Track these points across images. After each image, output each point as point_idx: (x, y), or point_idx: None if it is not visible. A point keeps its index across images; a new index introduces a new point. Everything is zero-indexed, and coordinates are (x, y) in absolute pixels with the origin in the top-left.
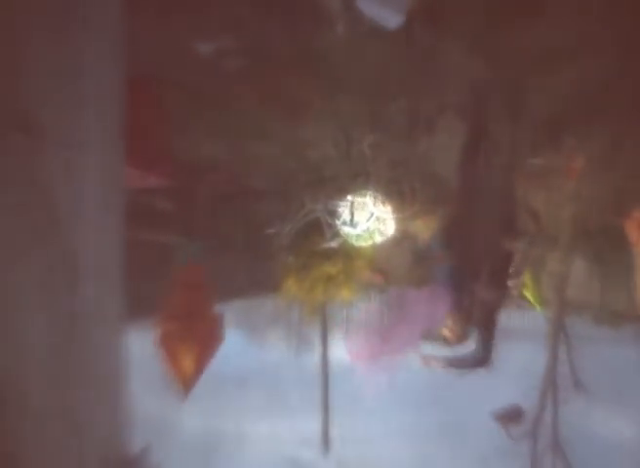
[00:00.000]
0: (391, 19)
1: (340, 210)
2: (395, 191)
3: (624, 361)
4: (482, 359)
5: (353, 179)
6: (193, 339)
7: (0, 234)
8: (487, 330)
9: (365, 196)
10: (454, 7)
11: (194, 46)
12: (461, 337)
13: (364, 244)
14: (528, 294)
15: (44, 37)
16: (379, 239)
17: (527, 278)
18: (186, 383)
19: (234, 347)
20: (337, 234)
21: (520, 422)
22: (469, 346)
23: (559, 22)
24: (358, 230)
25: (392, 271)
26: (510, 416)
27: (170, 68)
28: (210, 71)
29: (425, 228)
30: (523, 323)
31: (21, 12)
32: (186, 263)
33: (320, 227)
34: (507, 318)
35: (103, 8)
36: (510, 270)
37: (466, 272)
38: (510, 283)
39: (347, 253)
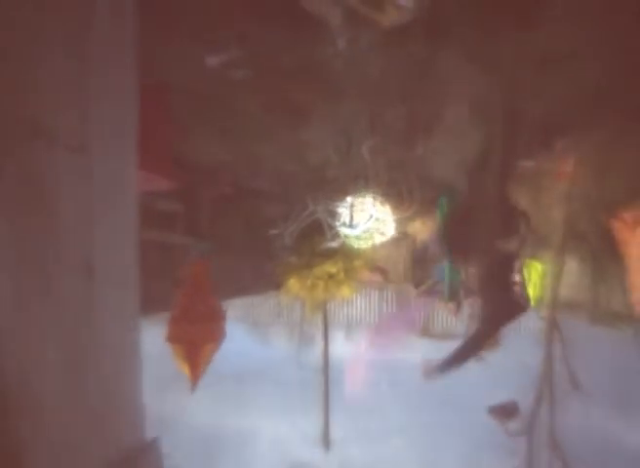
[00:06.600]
0: None
1: (341, 211)
2: (394, 193)
3: (621, 360)
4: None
5: (353, 182)
6: (201, 335)
7: (11, 239)
8: (492, 328)
9: (364, 198)
10: (452, 13)
11: (202, 57)
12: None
13: (363, 244)
14: (530, 292)
15: (56, 41)
16: (378, 239)
17: (527, 276)
18: (195, 378)
19: (237, 344)
20: (337, 235)
21: (516, 418)
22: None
23: (556, 28)
24: (358, 231)
25: (391, 270)
26: (506, 412)
27: (178, 76)
28: (216, 79)
29: (423, 229)
30: (519, 321)
31: (34, 17)
32: (194, 261)
33: (321, 228)
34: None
35: (117, 18)
36: (509, 270)
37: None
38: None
39: (347, 253)
